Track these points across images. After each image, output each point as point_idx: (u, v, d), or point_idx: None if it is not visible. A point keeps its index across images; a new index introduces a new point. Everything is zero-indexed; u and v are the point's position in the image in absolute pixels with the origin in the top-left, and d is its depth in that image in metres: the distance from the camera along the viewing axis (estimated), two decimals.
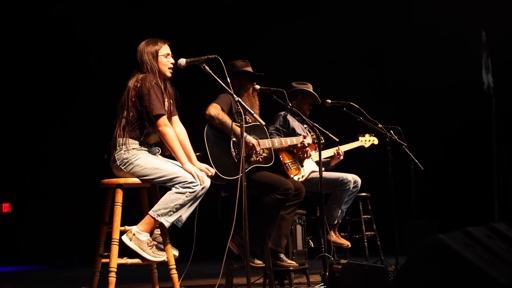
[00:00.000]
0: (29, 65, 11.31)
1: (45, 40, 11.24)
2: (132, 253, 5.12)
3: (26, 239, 11.30)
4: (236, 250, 6.15)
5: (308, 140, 6.78)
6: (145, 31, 7.66)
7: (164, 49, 5.46)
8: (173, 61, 5.45)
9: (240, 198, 4.97)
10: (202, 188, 5.21)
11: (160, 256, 5.20)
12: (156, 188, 5.37)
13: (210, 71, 5.26)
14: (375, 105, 8.26)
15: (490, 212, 10.75)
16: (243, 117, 5.14)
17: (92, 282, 5.39)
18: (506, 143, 11.02)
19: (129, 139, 5.23)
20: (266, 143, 6.35)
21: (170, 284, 5.31)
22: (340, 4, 11.35)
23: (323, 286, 6.24)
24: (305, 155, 6.95)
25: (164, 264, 5.29)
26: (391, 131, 7.28)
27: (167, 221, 5.13)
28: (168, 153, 5.42)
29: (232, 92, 5.22)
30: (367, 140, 7.85)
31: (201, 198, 5.25)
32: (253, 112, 5.28)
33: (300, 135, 6.95)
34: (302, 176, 7.06)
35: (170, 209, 5.12)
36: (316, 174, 6.76)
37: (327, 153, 7.57)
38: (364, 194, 7.94)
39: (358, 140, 7.84)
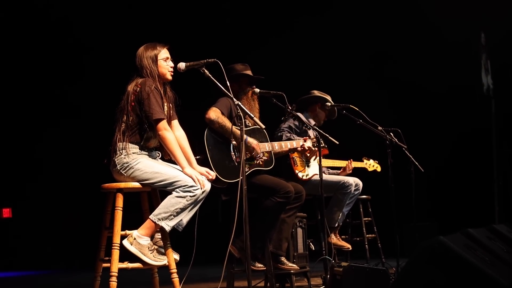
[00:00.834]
0: (28, 68, 11.30)
1: (45, 44, 11.24)
2: (133, 258, 5.12)
3: (26, 244, 11.30)
4: (237, 254, 6.15)
5: (308, 143, 6.78)
6: (145, 34, 7.69)
7: (163, 53, 5.46)
8: (172, 64, 5.46)
9: (240, 202, 4.97)
10: (203, 192, 5.21)
11: (161, 260, 5.20)
12: (157, 192, 5.37)
13: (209, 75, 5.26)
14: (375, 107, 8.24)
15: (491, 213, 10.77)
16: (243, 120, 5.13)
17: (93, 286, 5.38)
18: (506, 144, 11.04)
19: (129, 144, 5.24)
20: (266, 146, 6.35)
21: None
22: (341, 8, 11.34)
23: None
24: (312, 154, 6.95)
25: (165, 268, 5.28)
26: (391, 133, 7.28)
27: (167, 225, 5.13)
28: (168, 158, 5.42)
29: (231, 96, 5.22)
30: (371, 165, 7.93)
31: (201, 202, 5.25)
32: (253, 116, 5.28)
33: (309, 137, 6.96)
34: (306, 175, 7.08)
35: (170, 213, 5.12)
36: (318, 177, 6.76)
37: (336, 163, 7.61)
38: (364, 196, 7.94)
39: (362, 161, 7.90)
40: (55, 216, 11.24)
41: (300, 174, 7.02)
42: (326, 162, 7.58)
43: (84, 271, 7.06)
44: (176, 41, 5.77)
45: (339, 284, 5.33)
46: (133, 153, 5.23)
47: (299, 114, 6.97)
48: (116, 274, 5.07)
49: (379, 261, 7.81)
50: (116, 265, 5.07)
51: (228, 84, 5.24)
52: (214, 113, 6.06)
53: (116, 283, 5.07)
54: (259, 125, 5.53)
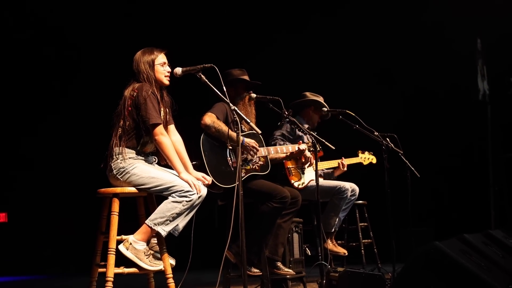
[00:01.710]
0: (25, 70, 11.28)
1: (41, 45, 11.22)
2: (129, 262, 5.12)
3: (22, 249, 11.28)
4: (233, 259, 6.15)
5: (303, 146, 6.79)
6: (143, 39, 7.69)
7: (161, 58, 5.46)
8: (169, 69, 5.46)
9: (236, 207, 4.97)
10: (199, 197, 5.21)
11: (157, 265, 5.20)
12: (153, 197, 5.37)
13: (206, 80, 5.27)
14: (371, 112, 8.25)
15: (487, 219, 10.76)
16: (239, 125, 5.14)
17: None
18: (502, 150, 11.05)
19: (126, 148, 5.24)
20: (262, 151, 6.36)
21: None
22: (339, 13, 11.36)
23: None
24: (307, 162, 6.97)
25: (161, 273, 5.28)
26: (387, 138, 7.28)
27: (164, 230, 5.13)
28: (165, 163, 5.42)
29: (228, 101, 5.23)
30: (366, 158, 7.91)
31: (197, 207, 5.25)
32: (249, 121, 5.28)
33: (304, 142, 6.97)
34: (302, 183, 7.09)
35: (166, 218, 5.12)
36: (314, 183, 6.77)
37: (331, 164, 7.61)
38: (360, 202, 7.95)
39: (357, 156, 7.89)
40: (51, 221, 11.22)
41: (296, 184, 7.03)
42: (321, 165, 7.58)
43: (80, 276, 7.06)
44: (173, 46, 5.76)
45: None
46: (130, 158, 5.23)
47: (294, 119, 6.97)
48: (112, 279, 5.06)
49: (375, 267, 7.80)
50: (112, 270, 5.07)
51: (225, 89, 5.24)
52: (209, 118, 6.07)
53: None
54: (255, 130, 5.53)
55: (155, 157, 5.46)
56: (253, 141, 6.19)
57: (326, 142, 6.51)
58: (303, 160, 6.98)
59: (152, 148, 5.42)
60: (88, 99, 10.99)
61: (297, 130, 7.18)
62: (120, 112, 5.30)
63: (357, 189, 7.47)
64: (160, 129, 5.22)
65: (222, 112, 6.20)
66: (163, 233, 5.14)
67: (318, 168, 7.42)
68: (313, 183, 7.06)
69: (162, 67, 5.44)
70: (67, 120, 11.19)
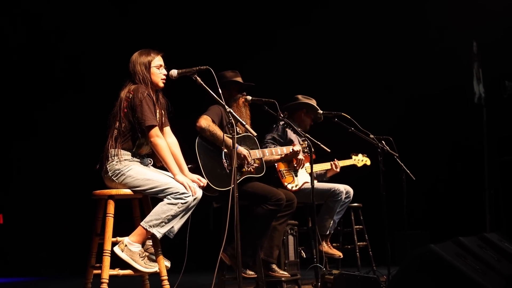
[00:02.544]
0: (21, 71, 11.27)
1: (35, 46, 11.21)
2: (124, 264, 5.11)
3: (17, 251, 11.26)
4: (228, 261, 6.16)
5: (297, 147, 6.80)
6: (139, 40, 7.69)
7: (157, 60, 5.46)
8: (165, 72, 5.45)
9: (232, 209, 4.97)
10: (194, 199, 5.21)
11: (152, 267, 5.19)
12: (148, 199, 5.37)
13: (201, 82, 5.26)
14: (367, 115, 8.26)
15: (482, 222, 10.77)
16: (235, 128, 5.14)
17: None
18: (497, 153, 11.05)
19: (121, 150, 5.23)
20: (257, 153, 6.36)
21: None
22: (333, 15, 11.37)
23: None
24: (299, 164, 6.99)
25: (156, 275, 5.28)
26: (383, 141, 7.29)
27: (159, 232, 5.12)
28: (160, 164, 5.42)
29: (223, 103, 5.23)
30: (360, 160, 7.91)
31: (193, 209, 5.25)
32: (244, 123, 5.29)
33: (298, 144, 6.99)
34: (296, 186, 7.09)
35: (162, 220, 5.11)
36: (309, 185, 6.77)
37: (324, 166, 7.61)
38: (356, 204, 7.95)
39: (351, 158, 7.88)
40: (47, 223, 11.21)
41: (289, 186, 7.03)
42: (313, 167, 7.56)
43: (75, 278, 7.05)
44: (168, 48, 5.76)
45: None
46: (125, 159, 5.23)
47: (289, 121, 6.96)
48: (107, 281, 5.06)
49: (370, 269, 7.80)
50: (107, 271, 5.06)
51: (220, 92, 5.24)
52: (205, 121, 6.08)
53: None
54: (250, 132, 5.54)
55: (151, 159, 5.45)
56: (245, 150, 6.20)
57: (322, 145, 6.52)
58: (295, 163, 7.00)
59: (148, 150, 5.41)
60: (84, 100, 10.98)
61: (288, 133, 7.20)
62: (116, 114, 5.29)
63: (351, 191, 7.48)
64: (155, 131, 5.22)
65: (218, 115, 6.21)
66: (158, 235, 5.14)
67: (314, 169, 7.45)
68: (307, 185, 7.08)
69: (158, 69, 5.43)
70: (63, 122, 11.17)
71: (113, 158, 5.23)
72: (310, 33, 11.38)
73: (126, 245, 5.09)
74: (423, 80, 11.21)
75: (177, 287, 5.58)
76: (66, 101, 11.16)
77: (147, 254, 5.22)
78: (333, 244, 7.71)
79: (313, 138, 6.61)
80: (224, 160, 6.10)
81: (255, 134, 5.61)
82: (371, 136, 7.21)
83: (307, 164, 7.28)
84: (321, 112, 7.34)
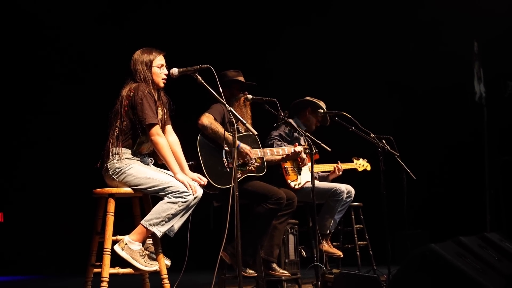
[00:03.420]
0: (18, 68, 11.26)
1: (35, 43, 11.19)
2: (124, 263, 5.11)
3: (18, 249, 11.26)
4: (228, 260, 6.16)
5: (299, 148, 6.80)
6: (140, 38, 7.68)
7: (159, 60, 5.45)
8: (166, 72, 5.44)
9: (232, 208, 4.97)
10: (195, 198, 5.20)
11: (152, 266, 5.19)
12: (149, 197, 5.36)
13: (202, 81, 5.26)
14: (367, 114, 8.26)
15: (482, 222, 10.77)
16: (235, 126, 5.14)
17: None
18: (498, 153, 11.05)
19: (122, 149, 5.23)
20: (258, 152, 6.36)
21: None
22: (337, 13, 11.37)
23: None
24: (303, 163, 6.99)
25: (156, 274, 5.27)
26: (383, 140, 7.29)
27: (159, 231, 5.12)
28: (161, 162, 5.41)
29: (224, 102, 5.22)
30: (361, 165, 7.92)
31: (193, 207, 5.25)
32: (245, 122, 5.29)
33: (300, 144, 6.99)
34: (299, 184, 7.09)
35: (162, 218, 5.11)
36: (310, 184, 6.77)
37: (327, 167, 7.62)
38: (356, 203, 7.94)
39: (352, 162, 7.89)
40: (47, 221, 11.21)
41: (292, 184, 7.02)
42: (316, 167, 7.58)
43: (75, 276, 7.05)
44: (169, 47, 5.75)
45: None
46: (126, 158, 5.23)
47: (290, 120, 6.96)
48: (107, 279, 5.05)
49: (370, 269, 7.80)
50: (107, 270, 5.06)
51: (221, 90, 5.24)
52: (207, 119, 6.08)
53: None
54: (251, 131, 5.54)
55: (151, 158, 5.45)
56: (248, 147, 6.20)
57: (323, 144, 6.52)
58: (299, 161, 7.00)
59: (149, 149, 5.41)
60: (84, 98, 10.97)
61: (293, 131, 7.20)
62: (117, 112, 5.29)
63: (352, 191, 7.48)
64: (156, 129, 5.22)
65: (220, 113, 6.21)
66: (159, 234, 5.13)
67: (317, 170, 7.47)
68: (309, 184, 7.07)
69: (159, 69, 5.43)
70: (63, 120, 11.17)
71: (113, 156, 5.23)
72: (312, 33, 11.37)
73: (126, 244, 5.09)
74: (424, 79, 11.20)
75: (177, 286, 5.58)
76: (67, 98, 11.15)
77: (147, 252, 5.22)
78: (334, 243, 7.70)
79: (313, 138, 6.60)
80: (225, 159, 6.10)
81: (256, 133, 5.61)
82: (372, 135, 7.21)
83: (310, 164, 7.29)
84: (322, 111, 7.33)
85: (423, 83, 11.21)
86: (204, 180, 5.42)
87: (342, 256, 7.57)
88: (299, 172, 7.19)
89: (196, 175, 5.42)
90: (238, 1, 11.33)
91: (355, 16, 11.35)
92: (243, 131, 6.38)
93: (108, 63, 10.33)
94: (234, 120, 5.15)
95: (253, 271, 6.33)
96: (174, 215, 5.13)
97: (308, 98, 7.57)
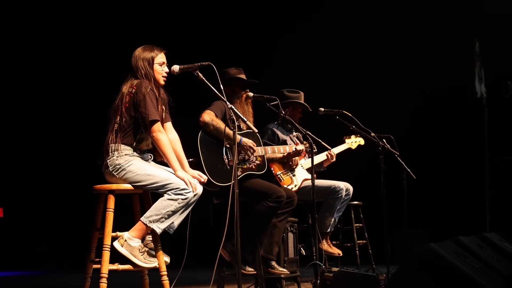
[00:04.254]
0: (25, 67, 11.26)
1: (37, 36, 11.19)
2: (124, 259, 5.11)
3: (18, 244, 11.27)
4: (228, 257, 6.16)
5: (300, 147, 6.80)
6: (141, 36, 7.67)
7: (160, 57, 5.46)
8: (167, 70, 5.45)
9: (232, 205, 4.97)
10: (195, 195, 5.21)
11: (152, 263, 5.19)
12: (148, 194, 5.36)
13: (203, 78, 5.26)
14: (368, 113, 8.25)
15: (482, 222, 10.77)
16: (236, 124, 5.14)
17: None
18: (498, 153, 11.05)
19: (122, 145, 5.24)
20: (259, 150, 6.36)
21: None
22: (335, 11, 11.37)
23: None
24: (294, 164, 7.00)
25: (155, 271, 5.28)
26: (384, 139, 7.29)
27: (159, 228, 5.12)
28: (160, 159, 5.42)
29: (225, 99, 5.22)
30: (354, 142, 7.88)
31: (193, 205, 5.25)
32: (246, 119, 5.29)
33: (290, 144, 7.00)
34: (296, 186, 7.08)
35: (162, 215, 5.11)
36: (309, 182, 6.77)
37: (320, 157, 7.59)
38: (356, 202, 7.95)
39: (344, 142, 7.86)
40: (47, 217, 11.21)
41: (289, 187, 7.01)
42: (309, 162, 7.56)
43: (75, 272, 7.05)
44: (170, 45, 5.76)
45: None
46: (126, 154, 5.23)
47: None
48: (106, 276, 5.06)
49: (370, 268, 7.81)
50: (106, 266, 5.06)
51: (222, 88, 5.23)
52: (208, 116, 6.08)
53: (106, 285, 5.05)
54: (252, 129, 5.53)
55: (151, 154, 5.45)
56: (250, 141, 6.21)
57: (323, 142, 6.52)
58: (291, 163, 7.02)
59: (148, 145, 5.42)
60: (84, 94, 10.97)
61: (279, 135, 7.22)
62: (117, 108, 5.29)
63: (351, 188, 7.48)
64: (158, 126, 5.22)
65: (221, 110, 6.21)
66: (158, 231, 5.14)
67: (305, 167, 7.44)
68: (307, 182, 7.08)
69: (160, 66, 5.44)
70: (64, 116, 11.17)
71: (113, 153, 5.23)
72: (313, 31, 11.37)
73: (125, 240, 5.10)
74: (424, 79, 11.21)
75: (176, 282, 5.58)
76: (66, 95, 11.14)
77: (146, 249, 5.22)
78: (333, 242, 7.70)
79: (313, 135, 6.59)
80: (226, 156, 6.10)
81: (257, 130, 5.61)
82: (372, 134, 7.21)
83: (303, 161, 7.29)
84: (323, 109, 7.32)
85: (424, 83, 11.21)
86: (204, 178, 5.43)
87: (341, 255, 7.58)
88: (292, 173, 7.18)
89: (197, 172, 5.43)
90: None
91: (355, 16, 11.34)
92: (244, 128, 6.38)
93: (108, 59, 10.33)
94: (235, 118, 5.15)
95: (252, 269, 6.33)
96: (174, 212, 5.14)
97: (285, 91, 7.50)
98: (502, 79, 11.13)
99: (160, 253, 5.24)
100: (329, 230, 7.40)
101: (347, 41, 11.27)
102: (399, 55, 11.15)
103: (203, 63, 5.27)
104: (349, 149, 7.88)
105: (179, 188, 5.14)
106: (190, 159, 5.74)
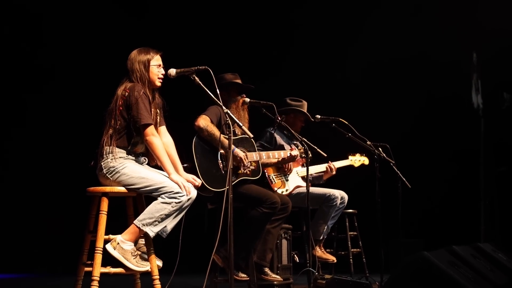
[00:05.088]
0: (17, 66, 11.23)
1: (33, 36, 11.17)
2: (116, 262, 5.09)
3: (10, 248, 11.22)
4: (221, 263, 6.15)
5: (295, 152, 6.80)
6: (138, 38, 7.67)
7: (156, 60, 5.46)
8: (163, 72, 5.45)
9: (226, 210, 4.95)
10: (188, 199, 5.19)
11: (144, 266, 5.17)
12: (142, 197, 5.35)
13: (199, 82, 5.25)
14: (364, 121, 8.25)
15: (477, 232, 10.76)
16: (231, 129, 5.13)
17: None
18: (494, 164, 11.06)
19: (116, 148, 5.23)
20: (254, 156, 6.36)
21: None
22: (330, 13, 11.38)
23: None
24: (288, 169, 7.00)
25: (147, 275, 5.26)
26: (380, 148, 7.29)
27: (152, 231, 5.11)
28: (154, 163, 5.41)
29: (221, 104, 5.21)
30: (358, 160, 7.89)
31: (187, 209, 5.24)
32: (241, 124, 5.28)
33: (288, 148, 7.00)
34: (286, 190, 7.08)
35: (155, 219, 5.10)
36: (303, 189, 6.76)
37: (319, 168, 7.61)
38: (351, 210, 7.94)
39: (347, 158, 7.87)
40: (40, 220, 11.16)
41: (279, 191, 7.01)
42: (309, 170, 7.56)
43: (68, 275, 7.03)
44: (167, 48, 5.75)
45: None
46: (120, 157, 5.22)
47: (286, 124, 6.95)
48: (98, 279, 5.04)
49: (363, 276, 7.79)
50: (98, 269, 5.04)
51: (218, 92, 5.22)
52: (203, 121, 6.08)
53: None
54: (247, 134, 5.53)
55: (145, 158, 5.44)
56: (242, 153, 6.21)
57: (318, 149, 6.51)
58: (285, 168, 7.01)
59: (143, 149, 5.40)
60: (80, 96, 10.93)
61: (277, 139, 7.22)
62: (112, 111, 5.29)
63: (346, 196, 7.48)
64: (151, 129, 5.21)
65: (216, 115, 6.21)
66: (151, 234, 5.12)
67: (301, 174, 7.45)
68: (300, 189, 7.09)
69: (156, 68, 5.43)
70: (58, 117, 11.12)
71: (107, 155, 5.22)
72: (309, 39, 11.38)
73: (118, 243, 5.08)
74: (421, 89, 11.20)
75: (169, 287, 5.56)
76: (61, 95, 11.10)
77: (139, 253, 5.20)
78: (327, 250, 7.70)
79: (309, 142, 6.59)
80: (220, 161, 6.09)
81: (252, 136, 5.60)
82: (368, 142, 7.22)
83: (299, 168, 7.29)
84: (319, 117, 7.32)
85: (421, 92, 11.20)
86: (198, 181, 5.42)
87: (335, 261, 7.57)
88: (286, 178, 7.18)
89: (191, 176, 5.42)
90: (235, 3, 11.32)
91: (352, 23, 11.34)
92: (239, 134, 6.37)
93: (104, 60, 10.32)
94: (230, 123, 5.14)
95: (245, 275, 6.32)
96: (168, 216, 5.12)
97: (288, 100, 7.55)
98: (499, 91, 11.14)
99: (153, 257, 5.22)
100: (322, 237, 7.40)
101: (344, 48, 11.27)
102: (398, 63, 11.14)
103: (200, 67, 5.26)
104: (351, 166, 7.89)
105: (173, 191, 5.12)
106: (185, 165, 5.73)
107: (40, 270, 10.94)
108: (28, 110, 11.19)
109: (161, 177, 5.21)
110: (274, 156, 6.70)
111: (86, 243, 5.35)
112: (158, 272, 5.23)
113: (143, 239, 5.26)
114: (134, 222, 5.14)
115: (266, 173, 7.00)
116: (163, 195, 5.13)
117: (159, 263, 5.28)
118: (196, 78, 5.26)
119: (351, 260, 7.94)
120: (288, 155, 6.79)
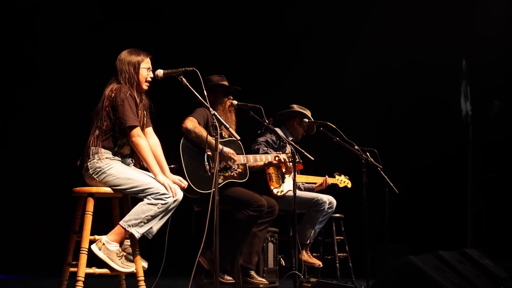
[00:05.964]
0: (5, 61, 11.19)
1: (22, 34, 11.13)
2: (101, 263, 5.07)
3: None
4: (206, 265, 6.13)
5: (283, 156, 6.79)
6: (125, 38, 7.65)
7: (146, 63, 5.44)
8: (152, 75, 5.42)
9: (212, 212, 4.94)
10: (175, 201, 5.17)
11: (129, 267, 5.15)
12: (128, 198, 5.33)
13: (187, 83, 5.23)
14: (352, 125, 8.26)
15: (463, 238, 10.78)
16: (218, 131, 5.11)
17: None
18: (481, 171, 11.09)
19: (102, 149, 5.20)
20: (241, 158, 6.35)
21: None
22: (325, 24, 11.39)
23: None
24: (288, 171, 6.99)
25: (132, 276, 5.24)
26: (367, 153, 7.29)
27: (137, 232, 5.09)
28: (140, 165, 5.39)
29: (208, 106, 5.20)
30: (342, 181, 7.94)
31: (173, 210, 5.22)
32: (228, 126, 5.26)
33: (285, 152, 6.99)
34: (281, 191, 7.09)
35: (141, 220, 5.08)
36: (292, 193, 6.76)
37: (316, 179, 7.64)
38: (337, 215, 7.94)
39: (334, 177, 7.90)
40: (25, 221, 11.10)
41: (275, 191, 7.02)
42: (301, 178, 7.59)
43: (54, 276, 6.99)
44: (155, 50, 5.73)
45: None
46: (106, 158, 5.20)
47: (276, 128, 6.95)
48: (83, 279, 5.00)
49: (349, 281, 7.79)
50: (83, 269, 5.02)
51: (205, 94, 5.21)
52: (191, 123, 6.06)
53: None
54: (234, 137, 5.51)
55: (132, 159, 5.42)
56: (231, 151, 6.19)
57: (306, 153, 6.50)
58: (284, 169, 7.00)
59: (129, 150, 5.38)
60: (67, 95, 10.88)
61: (275, 140, 7.21)
62: (99, 112, 5.26)
63: (334, 202, 7.48)
64: (137, 131, 5.19)
65: (203, 117, 6.20)
66: (137, 235, 5.10)
67: (301, 181, 7.47)
68: (290, 193, 7.07)
69: (146, 71, 5.41)
70: (43, 117, 11.06)
71: (94, 156, 5.20)
72: (299, 43, 11.39)
73: (103, 244, 5.06)
74: (410, 95, 11.22)
75: None
76: (47, 95, 11.04)
77: (124, 254, 5.18)
78: (313, 254, 7.70)
79: (298, 147, 6.58)
80: (207, 163, 6.07)
81: (239, 138, 5.58)
82: (356, 147, 7.21)
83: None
84: (307, 120, 7.33)
85: (409, 98, 11.22)
86: (184, 183, 5.40)
87: (321, 266, 7.57)
88: (282, 179, 7.18)
89: (177, 178, 5.40)
90: (224, 5, 11.33)
91: (342, 28, 11.36)
92: (226, 136, 6.37)
93: (92, 60, 10.29)
94: (217, 124, 5.13)
95: (230, 278, 6.31)
96: (153, 217, 5.10)
97: (295, 106, 7.58)
98: (487, 97, 11.18)
99: (138, 258, 5.20)
100: (309, 241, 7.40)
101: (335, 52, 11.28)
102: (388, 68, 11.16)
103: (187, 68, 5.23)
104: (335, 184, 7.94)
105: (159, 192, 5.11)
106: (172, 166, 5.72)
107: (26, 272, 10.89)
108: (13, 109, 11.12)
109: (147, 178, 5.19)
110: (262, 159, 6.69)
111: (71, 244, 5.32)
112: (143, 273, 5.21)
113: (129, 240, 5.23)
114: (119, 223, 5.12)
115: (267, 170, 7.01)
116: (149, 196, 5.11)
117: (145, 264, 5.26)
118: (184, 79, 5.24)
119: (337, 264, 7.94)
120: (276, 159, 6.78)
